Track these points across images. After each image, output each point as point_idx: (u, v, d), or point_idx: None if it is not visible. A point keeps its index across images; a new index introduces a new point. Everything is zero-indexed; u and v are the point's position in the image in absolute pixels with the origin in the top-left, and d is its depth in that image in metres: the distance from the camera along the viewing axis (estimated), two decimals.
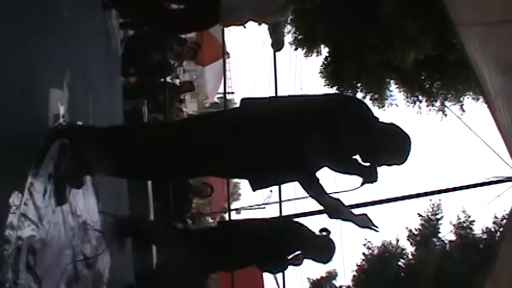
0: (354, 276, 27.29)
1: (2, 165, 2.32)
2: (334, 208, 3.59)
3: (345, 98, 4.21)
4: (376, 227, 3.66)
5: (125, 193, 5.46)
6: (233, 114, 3.66)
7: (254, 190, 3.52)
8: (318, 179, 3.53)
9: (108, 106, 4.95)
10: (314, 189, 3.57)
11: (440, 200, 24.07)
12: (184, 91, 11.21)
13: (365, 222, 3.62)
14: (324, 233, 5.50)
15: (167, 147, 3.29)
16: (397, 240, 25.86)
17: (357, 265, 27.14)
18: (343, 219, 3.61)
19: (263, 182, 3.53)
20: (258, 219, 5.86)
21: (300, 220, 5.77)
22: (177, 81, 10.05)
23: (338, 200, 3.60)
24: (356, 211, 3.77)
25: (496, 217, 22.30)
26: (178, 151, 3.29)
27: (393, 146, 3.44)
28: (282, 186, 7.02)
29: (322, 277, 31.06)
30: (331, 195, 3.60)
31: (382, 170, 3.52)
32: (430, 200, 23.84)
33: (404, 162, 3.50)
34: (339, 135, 3.28)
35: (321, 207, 3.74)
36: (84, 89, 3.86)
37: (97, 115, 4.04)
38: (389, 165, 3.49)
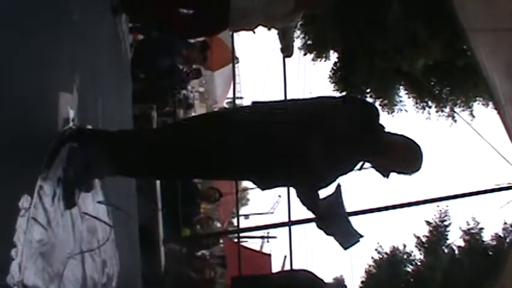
0: (362, 281, 27.23)
1: (12, 168, 2.33)
2: (323, 220, 3.53)
3: (355, 100, 4.11)
4: (358, 240, 3.56)
5: (134, 197, 5.47)
6: (240, 115, 3.62)
7: (263, 190, 3.51)
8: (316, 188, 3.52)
9: (117, 110, 4.96)
10: (309, 197, 3.57)
11: (447, 206, 23.98)
12: (192, 78, 11.02)
13: (348, 241, 3.54)
14: None
15: (175, 150, 3.29)
16: (404, 246, 25.80)
17: (365, 270, 27.08)
18: (326, 234, 3.54)
19: (270, 182, 3.51)
20: (269, 274, 5.79)
21: (315, 271, 5.66)
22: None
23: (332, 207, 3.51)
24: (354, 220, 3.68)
25: (505, 223, 22.22)
26: (186, 153, 3.28)
27: (404, 156, 3.40)
28: (290, 190, 7.00)
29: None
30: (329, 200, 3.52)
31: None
32: (438, 206, 23.77)
33: (414, 173, 3.45)
34: (344, 135, 3.27)
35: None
36: (94, 93, 3.87)
37: (106, 119, 4.05)
38: (398, 173, 3.44)
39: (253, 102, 3.51)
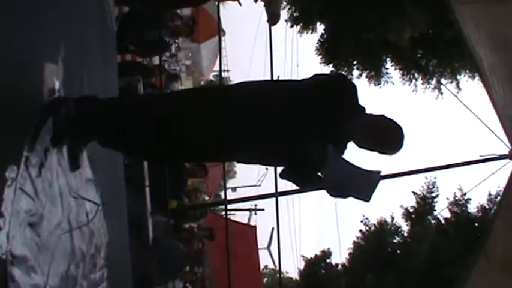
0: (350, 253, 27.41)
1: None
2: (332, 187, 3.39)
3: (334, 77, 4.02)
4: (377, 180, 3.37)
5: (121, 169, 5.47)
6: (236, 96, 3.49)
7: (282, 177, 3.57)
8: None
9: (103, 81, 4.94)
10: (309, 180, 3.55)
11: (435, 178, 24.08)
12: (182, 34, 10.37)
13: (366, 192, 3.35)
14: None
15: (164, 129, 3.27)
16: (392, 218, 25.95)
17: (353, 242, 27.25)
18: (344, 197, 3.41)
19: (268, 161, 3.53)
20: None
21: None
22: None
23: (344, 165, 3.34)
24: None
25: (490, 194, 22.37)
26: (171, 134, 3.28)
27: (385, 135, 3.38)
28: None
29: (316, 256, 31.15)
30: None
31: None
32: (426, 178, 23.88)
33: (395, 153, 3.41)
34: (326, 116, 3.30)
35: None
36: (79, 64, 3.85)
37: (92, 90, 4.03)
38: (380, 153, 3.41)
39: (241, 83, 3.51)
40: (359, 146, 3.43)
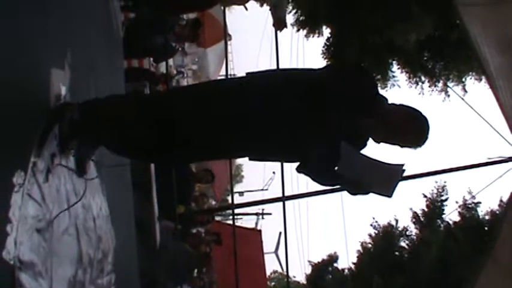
0: (357, 257, 27.33)
1: (5, 145, 2.34)
2: (350, 184, 3.25)
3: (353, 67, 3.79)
4: (400, 173, 3.17)
5: (128, 174, 5.48)
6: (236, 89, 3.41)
7: (298, 172, 3.49)
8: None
9: (109, 87, 4.95)
10: (326, 175, 3.45)
11: (445, 182, 23.97)
12: (188, 39, 10.22)
13: (387, 186, 3.18)
14: None
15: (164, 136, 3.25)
16: (396, 221, 25.82)
17: (361, 246, 27.16)
18: (365, 194, 3.25)
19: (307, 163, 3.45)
20: None
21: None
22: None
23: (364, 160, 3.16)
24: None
25: (501, 200, 22.23)
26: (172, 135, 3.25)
27: (406, 126, 3.14)
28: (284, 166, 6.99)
29: (323, 260, 31.08)
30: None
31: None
32: (436, 182, 23.78)
33: (418, 146, 3.17)
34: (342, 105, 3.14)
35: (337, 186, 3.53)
36: (86, 70, 3.86)
37: (99, 96, 4.04)
38: (401, 146, 3.18)
39: (248, 74, 3.44)
40: (378, 141, 3.23)
